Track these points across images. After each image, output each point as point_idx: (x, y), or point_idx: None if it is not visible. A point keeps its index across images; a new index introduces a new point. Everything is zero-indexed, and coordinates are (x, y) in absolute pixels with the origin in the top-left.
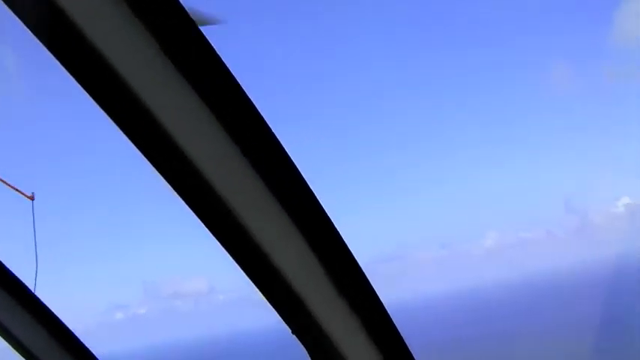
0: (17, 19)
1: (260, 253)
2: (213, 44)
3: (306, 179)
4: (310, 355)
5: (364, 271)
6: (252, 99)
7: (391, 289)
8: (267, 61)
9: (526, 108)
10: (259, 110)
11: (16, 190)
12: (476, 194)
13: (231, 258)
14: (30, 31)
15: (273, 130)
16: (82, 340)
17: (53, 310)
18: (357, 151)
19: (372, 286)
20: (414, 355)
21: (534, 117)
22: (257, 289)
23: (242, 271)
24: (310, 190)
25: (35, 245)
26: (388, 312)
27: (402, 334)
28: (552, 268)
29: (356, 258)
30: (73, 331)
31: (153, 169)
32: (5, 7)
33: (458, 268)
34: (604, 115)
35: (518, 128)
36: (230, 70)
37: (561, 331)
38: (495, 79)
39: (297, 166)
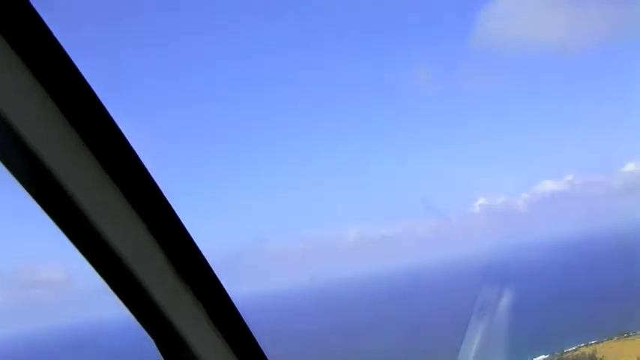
0: None
1: (100, 240)
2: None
3: (148, 170)
4: (157, 346)
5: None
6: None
7: (252, 282)
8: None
9: (390, 108)
10: (99, 97)
11: None
12: (338, 190)
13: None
14: None
15: (116, 122)
16: None
17: None
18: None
19: (217, 278)
20: (261, 347)
21: (397, 117)
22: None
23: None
24: (152, 181)
25: None
26: (234, 304)
27: (249, 326)
28: (411, 264)
29: (200, 250)
30: None
31: None
32: None
33: (321, 262)
34: (460, 117)
35: (380, 127)
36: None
37: (418, 325)
38: (355, 78)
39: (141, 158)
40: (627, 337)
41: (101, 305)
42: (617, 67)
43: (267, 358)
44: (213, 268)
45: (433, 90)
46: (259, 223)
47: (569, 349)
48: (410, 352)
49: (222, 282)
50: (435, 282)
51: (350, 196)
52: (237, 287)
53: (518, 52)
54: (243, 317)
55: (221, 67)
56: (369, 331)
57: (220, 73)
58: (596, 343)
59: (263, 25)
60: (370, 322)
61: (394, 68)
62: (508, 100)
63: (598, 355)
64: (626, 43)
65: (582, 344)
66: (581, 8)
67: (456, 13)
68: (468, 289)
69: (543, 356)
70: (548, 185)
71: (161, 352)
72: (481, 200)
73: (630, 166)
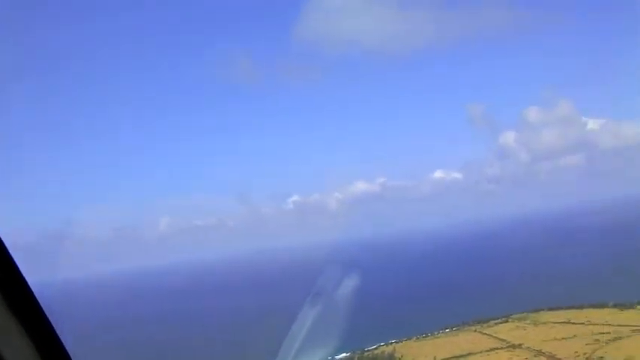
0: None
1: None
2: None
3: None
4: None
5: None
6: None
7: (58, 268)
8: None
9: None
10: None
11: None
12: (152, 179)
13: None
14: None
15: None
16: None
17: None
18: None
19: (14, 263)
20: (58, 332)
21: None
22: None
23: None
24: None
25: None
26: (32, 290)
27: (46, 310)
28: (223, 255)
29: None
30: None
31: None
32: None
33: (128, 251)
34: (279, 113)
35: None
36: None
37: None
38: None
39: None
40: (425, 337)
41: None
42: (439, 71)
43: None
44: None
45: (252, 85)
46: (67, 207)
47: (370, 348)
48: (200, 342)
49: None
50: (243, 275)
51: (164, 187)
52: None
53: (340, 50)
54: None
55: None
56: (167, 322)
57: None
58: (395, 342)
59: None
60: (169, 313)
61: (214, 63)
62: (329, 97)
63: (397, 354)
64: (450, 47)
65: (382, 343)
66: (406, 10)
67: (279, 9)
68: (275, 284)
69: (345, 354)
70: (361, 186)
71: None
72: (294, 197)
73: (439, 173)
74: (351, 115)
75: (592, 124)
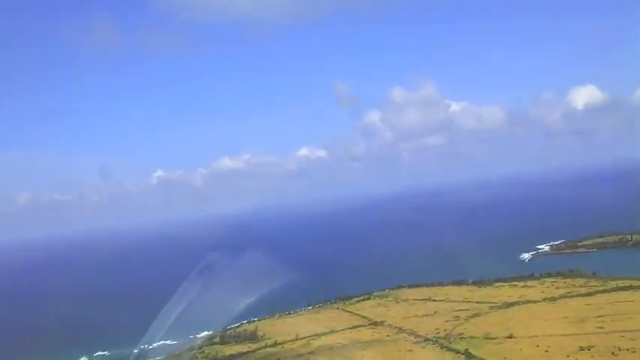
0: None
1: None
2: None
3: None
4: None
5: None
6: None
7: None
8: None
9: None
10: None
11: None
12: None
13: None
14: None
15: None
16: None
17: None
18: None
19: None
20: None
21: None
22: None
23: None
24: None
25: None
26: None
27: None
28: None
29: None
30: None
31: None
32: None
33: None
34: (143, 84)
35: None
36: None
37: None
38: None
39: None
40: (288, 314)
41: None
42: (307, 46)
43: None
44: None
45: (116, 53)
46: None
47: (232, 326)
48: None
49: None
50: (101, 252)
51: (20, 161)
52: None
53: (208, 18)
54: None
55: None
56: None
57: None
58: (258, 320)
59: None
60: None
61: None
62: (194, 68)
63: (259, 332)
64: (319, 22)
65: (245, 321)
66: None
67: None
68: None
69: (207, 332)
70: (226, 162)
71: None
72: (159, 172)
73: (304, 151)
74: (218, 87)
75: (455, 106)
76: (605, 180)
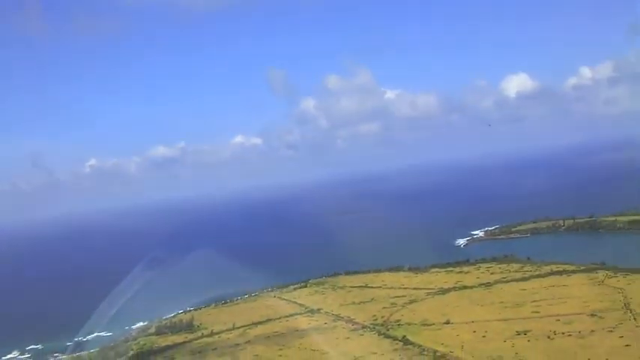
0: None
1: None
2: None
3: None
4: None
5: None
6: None
7: None
8: None
9: None
10: None
11: None
12: None
13: None
14: None
15: None
16: None
17: None
18: None
19: None
20: None
21: None
22: None
23: None
24: None
25: None
26: None
27: None
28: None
29: None
30: None
31: None
32: None
33: None
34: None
35: None
36: None
37: None
38: None
39: None
40: (224, 304)
41: None
42: (240, 31)
43: None
44: None
45: (42, 37)
46: None
47: (168, 316)
48: None
49: None
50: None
51: None
52: None
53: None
54: None
55: None
56: None
57: None
58: (194, 310)
59: None
60: None
61: None
62: (125, 53)
63: (195, 322)
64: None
65: (180, 311)
66: None
67: None
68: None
69: (142, 323)
70: (161, 150)
71: None
72: (92, 161)
73: (239, 139)
74: (151, 74)
75: (390, 93)
76: (538, 167)
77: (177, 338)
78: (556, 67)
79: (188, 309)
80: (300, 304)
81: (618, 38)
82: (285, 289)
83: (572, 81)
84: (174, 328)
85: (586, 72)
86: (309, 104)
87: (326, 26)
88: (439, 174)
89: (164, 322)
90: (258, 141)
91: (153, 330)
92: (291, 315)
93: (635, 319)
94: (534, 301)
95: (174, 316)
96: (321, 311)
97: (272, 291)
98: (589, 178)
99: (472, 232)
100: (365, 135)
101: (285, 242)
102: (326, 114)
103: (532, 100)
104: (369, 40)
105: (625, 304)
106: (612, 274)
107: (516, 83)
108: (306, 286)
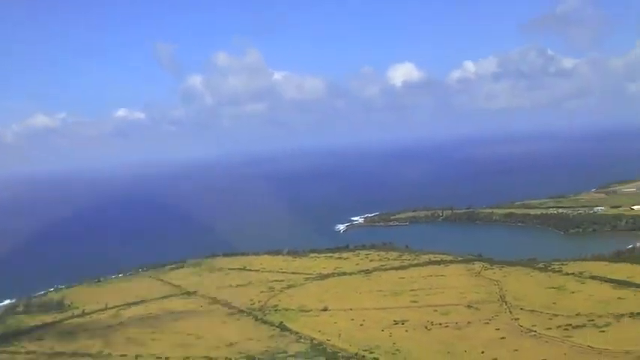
0: None
1: None
2: None
3: None
4: None
5: None
6: None
7: None
8: None
9: None
10: None
11: None
12: None
13: None
14: None
15: None
16: None
17: None
18: None
19: None
20: None
21: None
22: None
23: None
24: None
25: None
26: None
27: None
28: None
29: None
30: None
31: None
32: None
33: None
34: None
35: None
36: None
37: None
38: None
39: None
40: (97, 282)
41: None
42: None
43: None
44: None
45: None
46: None
47: (38, 294)
48: None
49: None
50: None
51: None
52: None
53: None
54: None
55: None
56: None
57: None
58: (65, 287)
59: None
60: None
61: None
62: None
63: (66, 301)
64: None
65: (51, 289)
66: None
67: None
68: None
69: (9, 301)
70: (40, 120)
71: None
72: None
73: (122, 112)
74: (35, 39)
75: (277, 75)
76: (420, 156)
77: (47, 318)
78: (442, 58)
79: (59, 287)
80: (176, 286)
81: (504, 36)
82: (161, 270)
83: (457, 74)
84: (44, 306)
85: (470, 66)
86: (196, 81)
87: (217, 3)
88: (324, 158)
89: (33, 300)
90: (141, 115)
91: (21, 308)
92: (166, 296)
93: (510, 311)
94: (412, 290)
95: (44, 294)
96: (198, 293)
97: (147, 271)
98: (468, 171)
99: (352, 218)
100: (252, 115)
101: (161, 221)
102: (213, 92)
103: (417, 89)
104: (260, 20)
105: (501, 297)
106: (488, 266)
107: (402, 72)
108: (182, 267)
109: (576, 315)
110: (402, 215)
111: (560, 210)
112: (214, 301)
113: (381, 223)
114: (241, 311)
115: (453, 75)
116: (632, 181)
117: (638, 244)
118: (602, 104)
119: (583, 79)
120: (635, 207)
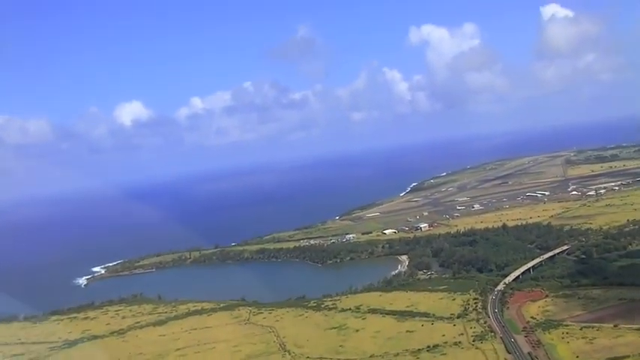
0: None
1: None
2: None
3: None
4: None
5: None
6: None
7: None
8: None
9: None
10: None
11: None
12: None
13: None
14: None
15: None
16: None
17: None
18: None
19: None
20: None
21: None
22: None
23: None
24: None
25: None
26: None
27: None
28: None
29: None
30: None
31: None
32: None
33: None
34: None
35: None
36: None
37: None
38: None
39: None
40: None
41: None
42: None
43: None
44: None
45: None
46: None
47: None
48: None
49: None
50: None
51: None
52: None
53: None
54: None
55: None
56: None
57: None
58: None
59: None
60: None
61: None
62: None
63: None
64: None
65: None
66: None
67: None
68: None
69: None
70: None
71: None
72: None
73: None
74: None
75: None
76: (153, 195)
77: None
78: (171, 95)
79: None
80: None
81: (242, 68)
82: None
83: (185, 111)
84: None
85: (198, 102)
86: None
87: None
88: (49, 206)
89: None
90: None
91: None
92: None
93: None
94: (178, 349)
95: None
96: None
97: None
98: (205, 208)
99: (92, 269)
100: None
101: None
102: None
103: (147, 128)
104: None
105: (281, 345)
106: (256, 310)
107: (130, 111)
108: None
109: (370, 357)
110: (147, 261)
111: (312, 241)
112: None
113: (126, 272)
114: None
115: (181, 112)
116: (373, 205)
117: (401, 269)
118: (325, 134)
119: (311, 110)
120: (386, 231)
